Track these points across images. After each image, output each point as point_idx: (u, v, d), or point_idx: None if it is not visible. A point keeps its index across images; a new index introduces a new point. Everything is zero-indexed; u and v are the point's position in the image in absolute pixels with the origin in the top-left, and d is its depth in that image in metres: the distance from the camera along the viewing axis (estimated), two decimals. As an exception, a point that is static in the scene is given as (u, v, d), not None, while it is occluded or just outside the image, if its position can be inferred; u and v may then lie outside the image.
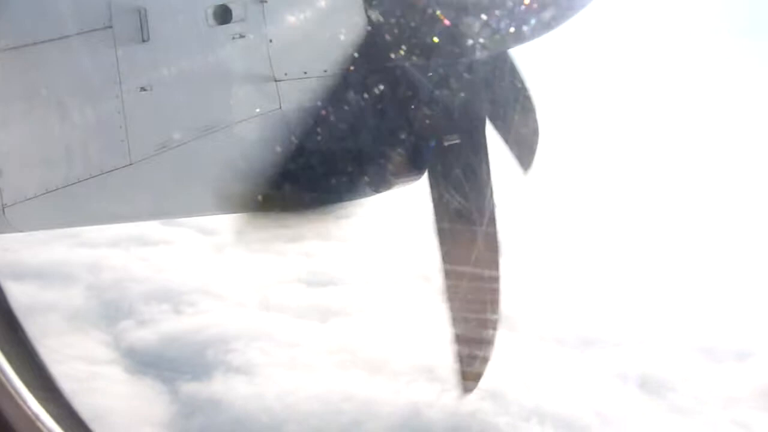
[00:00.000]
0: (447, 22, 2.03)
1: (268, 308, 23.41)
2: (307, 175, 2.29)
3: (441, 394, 17.98)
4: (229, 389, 19.02)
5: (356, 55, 2.13)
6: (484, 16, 2.03)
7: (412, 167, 2.17)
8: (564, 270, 26.72)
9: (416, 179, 2.23)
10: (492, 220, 2.23)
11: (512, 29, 2.07)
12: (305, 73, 2.21)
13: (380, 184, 2.21)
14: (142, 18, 2.21)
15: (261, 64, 2.20)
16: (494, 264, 2.26)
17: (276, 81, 2.20)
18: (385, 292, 24.48)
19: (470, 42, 2.05)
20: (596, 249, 30.73)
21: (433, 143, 2.12)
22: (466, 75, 2.10)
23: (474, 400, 18.99)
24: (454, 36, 2.04)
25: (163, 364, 20.32)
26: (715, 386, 20.98)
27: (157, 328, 22.25)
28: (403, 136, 2.14)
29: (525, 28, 2.09)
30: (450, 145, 2.15)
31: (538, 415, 18.29)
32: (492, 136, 2.29)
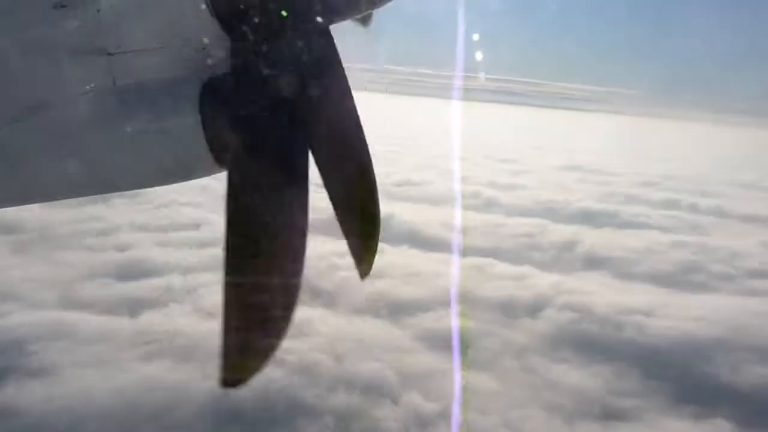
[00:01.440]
0: None
1: (71, 306, 22.17)
2: (138, 155, 2.06)
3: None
4: (24, 395, 17.86)
5: (194, 26, 1.94)
6: None
7: (244, 151, 1.95)
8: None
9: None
10: (300, 218, 1.98)
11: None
12: (140, 46, 1.98)
13: (220, 161, 2.01)
14: None
15: (89, 37, 1.93)
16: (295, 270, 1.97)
17: (108, 55, 1.96)
18: (199, 280, 24.15)
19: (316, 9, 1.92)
20: (407, 224, 32.47)
21: (254, 132, 1.94)
22: (296, 58, 1.92)
23: (283, 376, 19.41)
24: (295, 7, 1.90)
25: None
26: (509, 339, 23.08)
27: (-61, 339, 20.31)
28: (231, 118, 1.95)
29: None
30: (263, 135, 1.94)
31: (345, 384, 19.02)
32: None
